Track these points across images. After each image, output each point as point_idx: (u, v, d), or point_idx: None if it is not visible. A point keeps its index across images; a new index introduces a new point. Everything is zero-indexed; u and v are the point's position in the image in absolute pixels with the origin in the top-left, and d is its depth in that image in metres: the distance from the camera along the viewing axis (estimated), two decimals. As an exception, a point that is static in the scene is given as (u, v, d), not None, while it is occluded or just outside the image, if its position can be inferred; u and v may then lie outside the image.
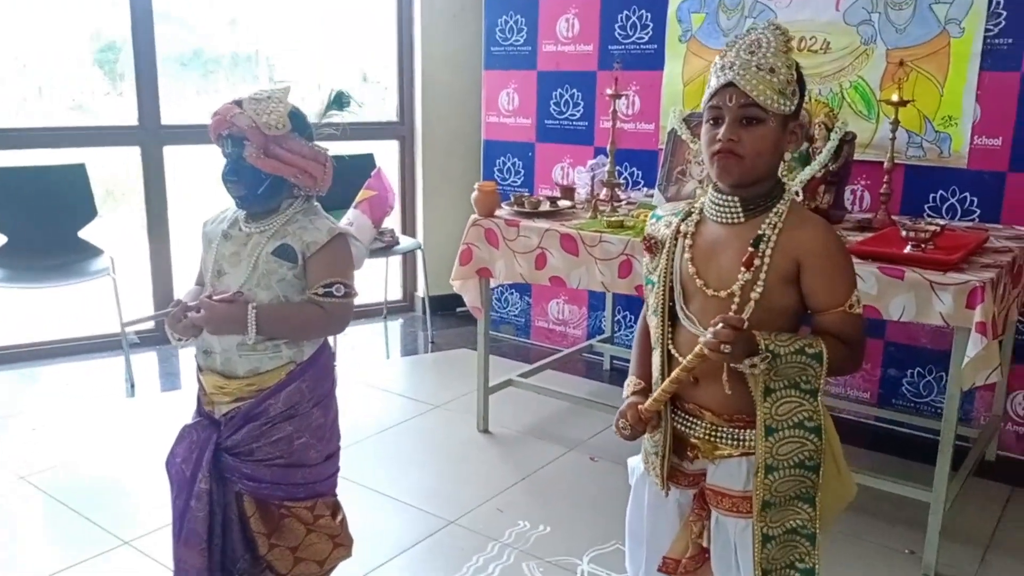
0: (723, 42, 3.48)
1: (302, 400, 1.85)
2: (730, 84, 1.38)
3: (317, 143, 1.89)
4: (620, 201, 3.23)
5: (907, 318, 2.16)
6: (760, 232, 1.39)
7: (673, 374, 1.44)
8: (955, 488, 2.40)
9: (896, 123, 2.68)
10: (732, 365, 1.35)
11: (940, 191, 3.00)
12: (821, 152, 2.80)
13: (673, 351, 1.50)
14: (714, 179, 1.45)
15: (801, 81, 1.41)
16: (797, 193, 2.52)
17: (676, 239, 1.51)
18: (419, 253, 4.38)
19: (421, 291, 4.58)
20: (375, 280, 4.67)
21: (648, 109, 3.61)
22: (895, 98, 2.65)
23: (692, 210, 1.52)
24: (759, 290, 1.38)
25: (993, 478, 2.83)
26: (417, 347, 4.30)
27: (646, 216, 2.90)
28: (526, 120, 4.02)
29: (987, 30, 2.81)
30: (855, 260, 2.17)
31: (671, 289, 1.51)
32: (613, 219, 2.75)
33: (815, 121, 2.85)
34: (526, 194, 3.08)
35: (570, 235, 2.75)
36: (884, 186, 2.73)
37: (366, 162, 4.29)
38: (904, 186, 3.06)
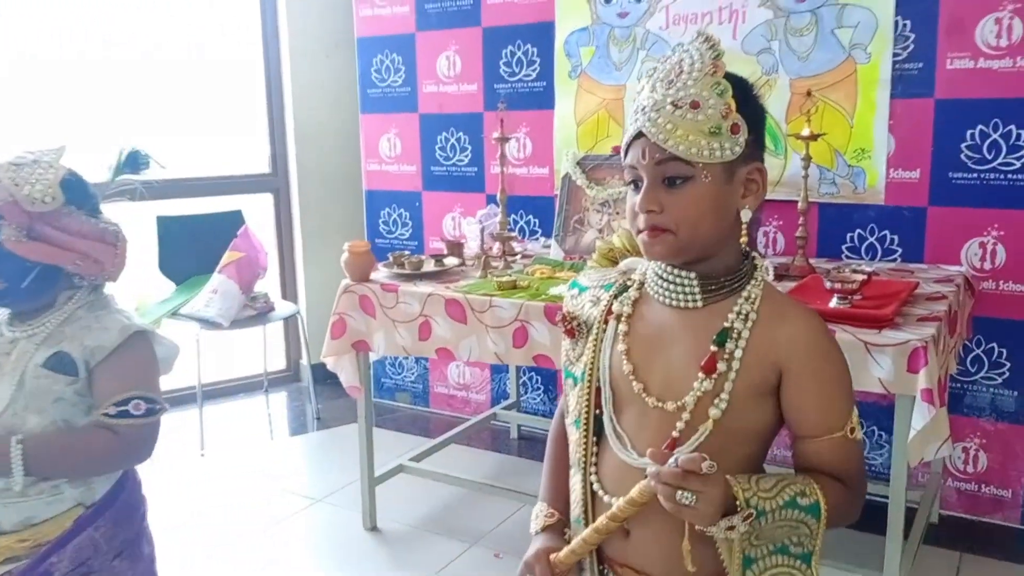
0: (615, 77, 3.29)
1: (97, 553, 1.41)
2: (642, 135, 1.05)
3: (101, 223, 1.46)
4: (515, 255, 2.88)
5: (843, 385, 1.86)
6: (727, 324, 1.05)
7: (598, 521, 1.07)
8: (907, 565, 2.11)
9: (808, 159, 2.42)
10: (697, 527, 0.97)
11: (858, 230, 2.77)
12: None
13: (595, 483, 1.13)
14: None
15: (752, 106, 1.08)
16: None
17: (607, 322, 1.15)
18: (299, 319, 3.92)
19: (306, 359, 4.12)
20: (253, 349, 4.18)
21: (541, 152, 3.29)
22: (805, 132, 2.39)
23: (629, 283, 1.17)
24: (722, 405, 1.03)
25: (940, 543, 2.56)
26: (305, 423, 3.82)
27: (543, 274, 2.57)
28: (410, 167, 3.65)
29: (895, 54, 2.61)
30: None
31: (598, 391, 1.15)
32: (504, 279, 2.39)
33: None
34: (406, 253, 2.69)
35: (456, 300, 2.37)
36: (800, 228, 2.47)
37: (233, 220, 3.83)
38: (819, 226, 2.82)
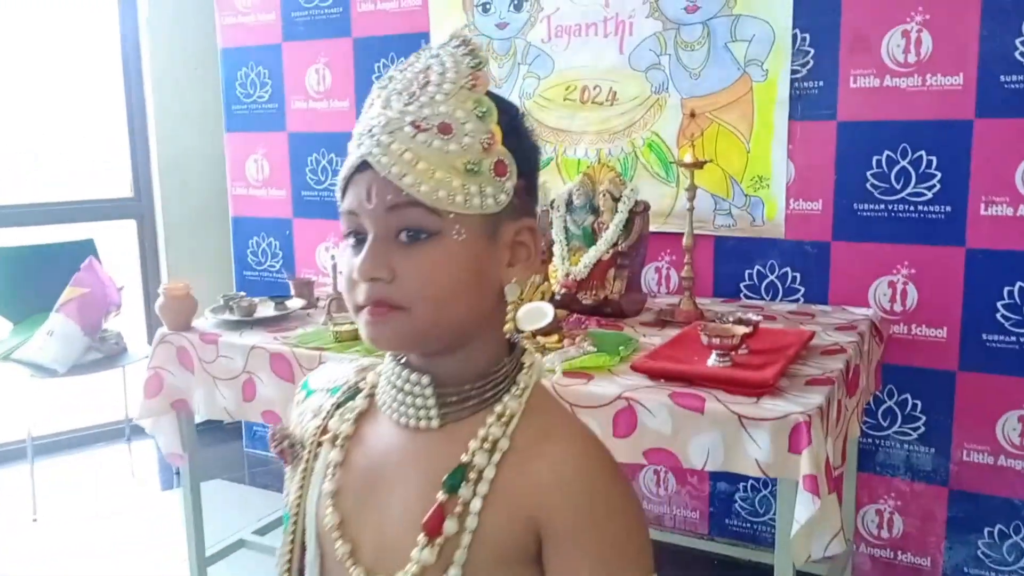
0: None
1: None
2: (367, 166, 0.72)
3: None
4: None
5: (713, 467, 1.54)
6: (464, 460, 0.73)
7: None
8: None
9: (693, 189, 2.12)
10: None
11: (757, 266, 2.47)
12: (608, 228, 2.20)
13: None
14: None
15: (522, 140, 0.76)
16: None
17: (320, 445, 0.82)
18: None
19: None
20: (111, 394, 3.74)
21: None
22: (688, 159, 2.09)
23: (362, 386, 0.84)
24: None
25: (849, 623, 2.26)
26: (170, 476, 3.39)
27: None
28: (279, 191, 3.28)
29: (794, 71, 2.33)
30: (640, 382, 1.63)
31: (302, 546, 0.81)
32: (344, 328, 2.03)
33: (599, 190, 2.26)
34: (240, 295, 2.32)
35: (282, 355, 2.00)
36: (685, 268, 2.16)
37: (83, 250, 3.40)
38: (715, 263, 2.52)
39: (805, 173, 2.36)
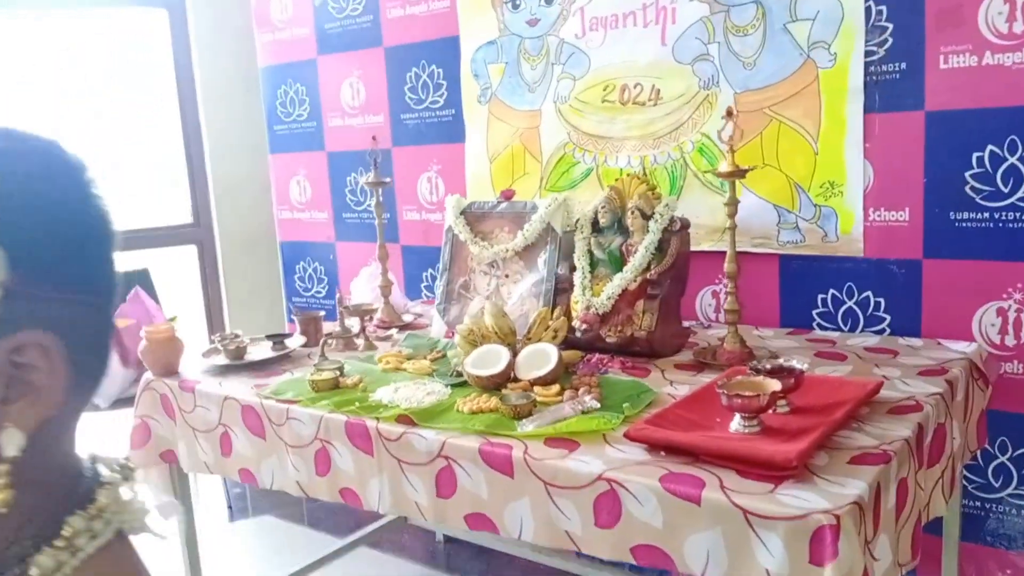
0: (529, 101, 2.61)
1: None
2: None
3: None
4: (388, 331, 2.29)
5: (717, 574, 1.18)
6: None
7: None
8: None
9: (734, 204, 1.74)
10: None
11: (832, 291, 2.05)
12: (637, 252, 1.86)
13: None
14: None
15: (21, 208, 0.48)
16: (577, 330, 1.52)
17: None
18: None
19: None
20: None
21: (456, 191, 2.68)
22: (724, 167, 1.71)
23: None
24: None
25: None
26: (223, 509, 3.30)
27: (388, 365, 1.96)
28: (322, 214, 3.11)
29: (868, 53, 1.90)
30: (634, 455, 1.29)
31: None
32: (323, 375, 1.79)
33: (628, 206, 1.92)
34: (235, 334, 2.13)
35: (252, 407, 1.79)
36: (728, 299, 1.78)
37: (137, 280, 3.36)
38: (781, 287, 2.11)
39: (887, 176, 1.93)
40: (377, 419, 1.58)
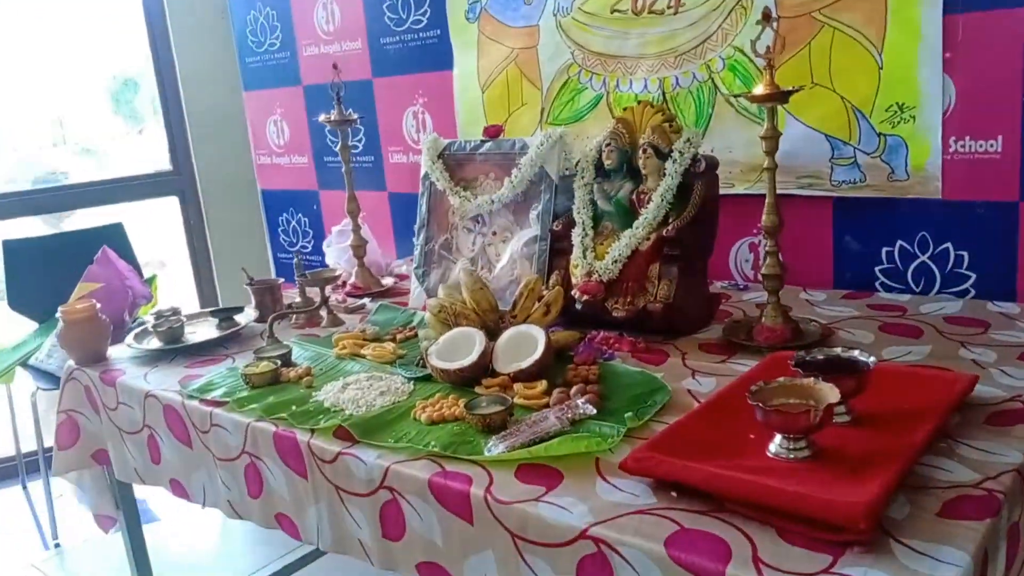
0: (525, 15, 1.96)
1: None
2: None
3: None
4: (360, 300, 1.94)
5: None
6: None
7: None
8: None
9: (773, 139, 1.33)
10: None
11: (900, 243, 1.64)
12: (650, 201, 1.47)
13: None
14: None
15: None
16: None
17: None
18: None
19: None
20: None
21: (444, 130, 2.29)
22: (760, 89, 1.30)
23: None
24: None
25: None
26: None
27: (344, 349, 1.60)
28: (302, 159, 2.74)
29: (953, -67, 1.45)
30: (631, 496, 0.95)
31: None
32: (258, 371, 1.44)
33: (640, 142, 1.51)
34: (173, 310, 1.79)
35: (174, 408, 1.46)
36: (766, 262, 1.39)
37: (111, 236, 3.05)
38: (835, 239, 1.70)
39: (974, 96, 1.49)
40: (312, 431, 1.23)
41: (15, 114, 3.22)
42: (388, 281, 2.07)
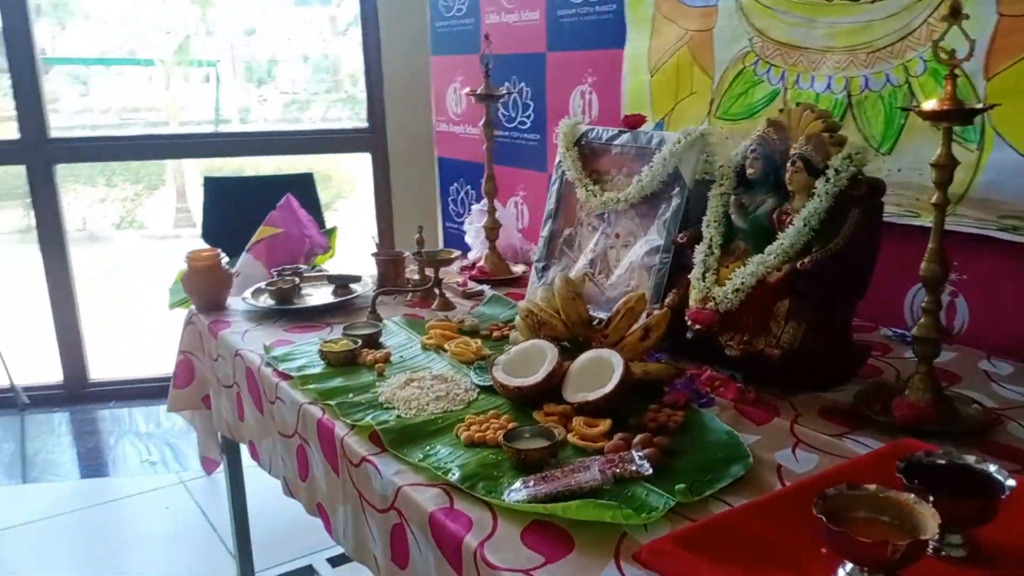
0: None
1: None
2: None
3: None
4: (482, 286, 1.83)
5: None
6: None
7: None
8: None
9: (947, 165, 1.04)
10: None
11: None
12: (791, 224, 1.24)
13: None
14: None
15: None
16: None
17: None
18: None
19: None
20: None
21: (609, 113, 2.12)
22: (933, 105, 1.01)
23: None
24: None
25: None
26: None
27: (438, 338, 1.50)
28: (475, 130, 2.67)
29: None
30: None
31: None
32: (336, 350, 1.39)
33: (792, 152, 1.28)
34: (295, 270, 1.79)
35: (252, 373, 1.44)
36: (921, 320, 1.10)
37: (300, 185, 3.18)
38: (1038, 297, 1.35)
39: None
40: (351, 427, 1.15)
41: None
42: (518, 269, 1.95)
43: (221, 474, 1.86)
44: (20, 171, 3.19)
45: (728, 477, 0.97)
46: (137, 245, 8.15)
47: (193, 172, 8.24)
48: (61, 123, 8.73)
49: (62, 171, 3.26)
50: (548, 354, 1.21)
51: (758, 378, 1.25)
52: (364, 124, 3.41)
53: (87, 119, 9.28)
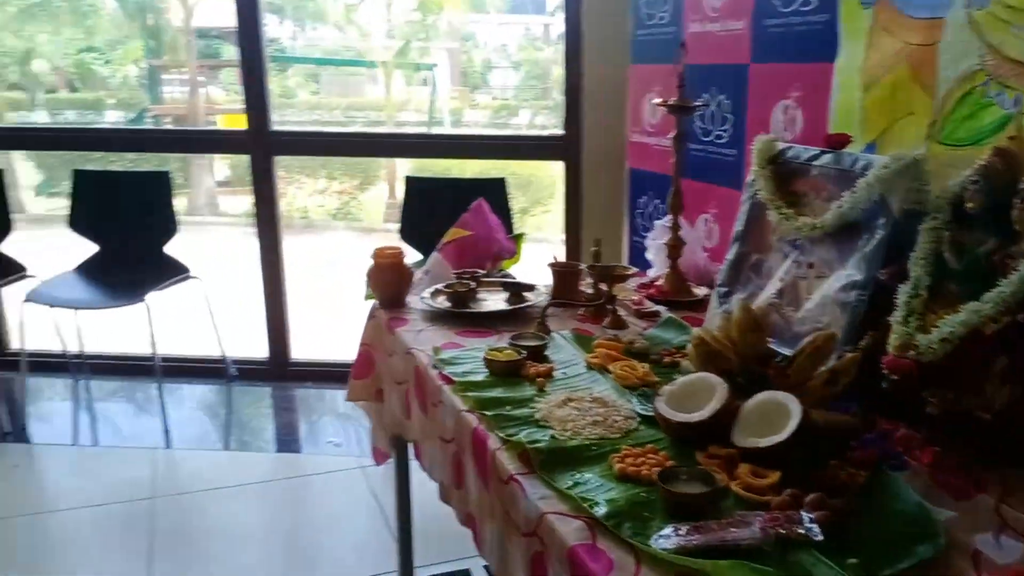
0: (930, 3, 1.64)
1: None
2: None
3: None
4: (652, 309, 1.75)
5: None
6: None
7: None
8: None
9: None
10: None
11: None
12: (1017, 270, 1.10)
13: None
14: None
15: None
16: None
17: None
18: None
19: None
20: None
21: (815, 131, 1.97)
22: None
23: None
24: None
25: None
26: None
27: (604, 358, 1.44)
28: (669, 141, 2.58)
29: None
30: None
31: None
32: (500, 359, 1.37)
33: (1021, 187, 1.12)
34: (472, 274, 1.81)
35: (421, 372, 1.45)
36: None
37: (495, 190, 3.24)
38: None
39: None
40: (504, 441, 1.13)
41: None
42: (700, 291, 1.85)
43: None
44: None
45: (912, 557, 0.85)
46: (350, 237, 8.71)
47: (404, 170, 8.70)
48: (295, 118, 9.54)
49: (289, 162, 3.53)
50: (717, 390, 1.12)
51: (962, 444, 1.09)
52: (559, 132, 3.42)
53: (316, 116, 10.06)
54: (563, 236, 3.51)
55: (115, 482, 2.71)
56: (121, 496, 2.61)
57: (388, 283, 1.76)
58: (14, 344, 3.67)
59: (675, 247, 1.84)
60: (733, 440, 1.08)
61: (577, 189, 3.39)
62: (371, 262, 1.78)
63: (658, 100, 1.85)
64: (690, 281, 1.88)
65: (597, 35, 3.03)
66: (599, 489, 0.99)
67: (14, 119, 9.14)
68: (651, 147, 2.70)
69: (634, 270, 1.78)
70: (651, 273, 2.03)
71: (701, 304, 1.79)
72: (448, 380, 1.35)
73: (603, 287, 1.71)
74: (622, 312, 1.69)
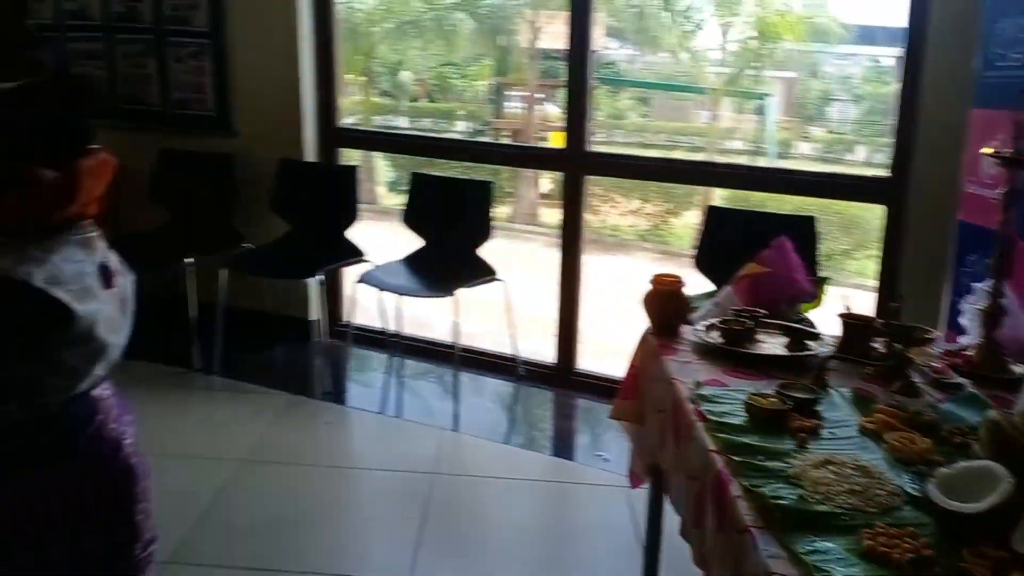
0: None
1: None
2: None
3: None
4: (952, 381, 1.57)
5: None
6: None
7: None
8: None
9: None
10: None
11: None
12: None
13: None
14: None
15: None
16: None
17: None
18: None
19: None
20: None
21: None
22: None
23: None
24: None
25: None
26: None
27: (882, 424, 1.32)
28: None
29: None
30: None
31: None
32: (764, 405, 1.32)
33: None
34: (752, 313, 1.75)
35: (680, 405, 1.45)
36: None
37: (803, 228, 3.10)
38: None
39: None
40: (747, 490, 1.10)
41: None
42: (1020, 369, 1.62)
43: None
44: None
45: None
46: (654, 259, 8.79)
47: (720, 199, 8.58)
48: (622, 139, 9.84)
49: (608, 182, 3.67)
50: (1001, 485, 0.99)
51: None
52: (884, 173, 3.17)
53: (641, 138, 10.28)
54: (876, 284, 3.24)
55: (405, 452, 3.02)
56: (408, 466, 2.90)
57: (662, 310, 1.78)
58: (345, 317, 4.23)
59: (993, 315, 1.63)
60: (1013, 544, 0.95)
61: (898, 236, 3.11)
62: (649, 287, 1.80)
63: (988, 149, 1.65)
64: (1008, 356, 1.65)
65: (939, 72, 2.77)
66: (839, 562, 0.93)
67: (380, 122, 10.49)
68: (989, 200, 2.40)
69: (936, 334, 1.61)
70: (962, 340, 1.81)
71: (1016, 384, 1.57)
72: (703, 417, 1.34)
73: (898, 348, 1.57)
74: (917, 379, 1.54)
